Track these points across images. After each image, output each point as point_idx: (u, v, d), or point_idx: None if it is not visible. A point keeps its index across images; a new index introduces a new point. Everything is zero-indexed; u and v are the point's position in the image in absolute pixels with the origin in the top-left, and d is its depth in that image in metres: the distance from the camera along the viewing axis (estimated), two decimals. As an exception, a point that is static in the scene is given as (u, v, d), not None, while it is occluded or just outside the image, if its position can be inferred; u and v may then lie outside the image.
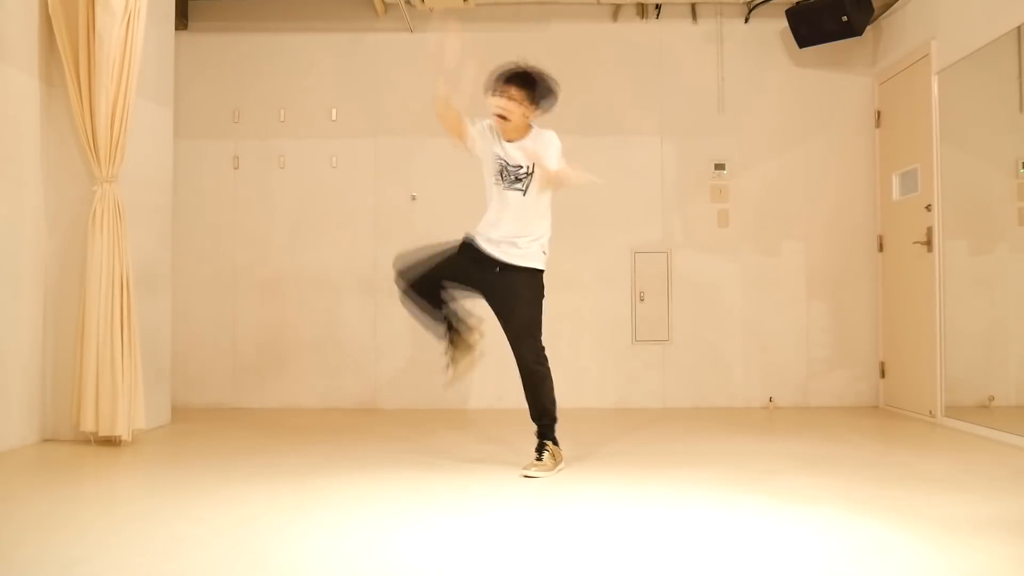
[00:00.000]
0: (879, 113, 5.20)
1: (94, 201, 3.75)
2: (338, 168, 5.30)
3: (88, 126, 3.75)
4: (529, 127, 3.32)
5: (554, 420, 3.23)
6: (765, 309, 5.24)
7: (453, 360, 3.39)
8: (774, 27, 5.29)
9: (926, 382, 4.55)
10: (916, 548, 2.11)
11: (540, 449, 3.16)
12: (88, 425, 3.65)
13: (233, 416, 4.78)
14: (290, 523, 2.36)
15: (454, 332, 3.39)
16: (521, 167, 3.26)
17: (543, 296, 3.35)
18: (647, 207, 5.28)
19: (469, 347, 3.38)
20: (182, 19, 5.19)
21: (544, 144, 3.25)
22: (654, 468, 3.21)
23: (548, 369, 3.24)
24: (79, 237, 3.82)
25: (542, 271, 3.35)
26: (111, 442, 3.72)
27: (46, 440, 3.82)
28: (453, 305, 3.37)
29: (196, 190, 5.27)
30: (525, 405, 3.27)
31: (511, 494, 2.75)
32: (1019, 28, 3.80)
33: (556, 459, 3.15)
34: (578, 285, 5.24)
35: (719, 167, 5.28)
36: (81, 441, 3.75)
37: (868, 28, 5.08)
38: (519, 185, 3.26)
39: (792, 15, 5.01)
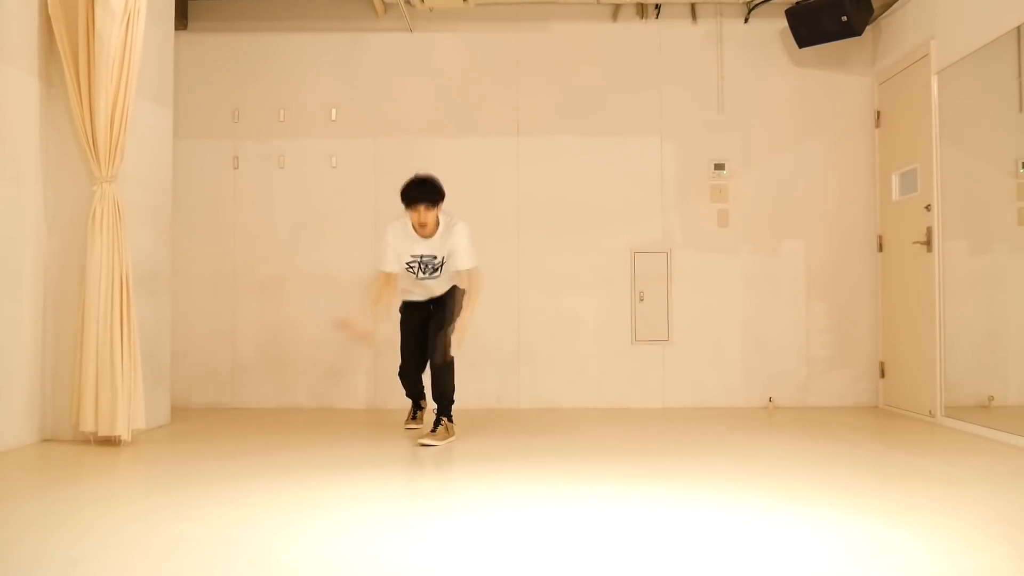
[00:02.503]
0: (879, 113, 5.20)
1: (94, 201, 3.75)
2: (338, 168, 5.30)
3: (88, 126, 3.75)
4: (439, 221, 3.83)
5: (452, 402, 3.91)
6: (765, 309, 5.24)
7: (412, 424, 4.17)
8: (774, 27, 5.29)
9: (926, 382, 4.55)
10: (916, 548, 2.11)
11: (436, 424, 3.85)
12: (88, 425, 3.66)
13: (233, 416, 4.78)
14: (290, 523, 2.36)
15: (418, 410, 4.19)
16: (436, 257, 3.82)
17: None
18: (647, 207, 5.28)
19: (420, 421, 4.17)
20: (182, 19, 5.19)
21: (456, 243, 3.79)
22: (654, 468, 3.21)
23: (453, 360, 3.85)
24: (79, 237, 3.82)
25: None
26: (111, 442, 3.72)
27: (46, 440, 3.82)
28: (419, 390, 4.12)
29: (196, 190, 5.27)
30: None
31: (511, 494, 2.75)
32: (1019, 28, 3.80)
33: (449, 432, 3.85)
34: (578, 285, 5.24)
35: (719, 167, 5.28)
36: (81, 441, 3.76)
37: (868, 28, 5.08)
38: (436, 273, 3.85)
39: (792, 15, 5.01)
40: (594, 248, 5.26)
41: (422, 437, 3.79)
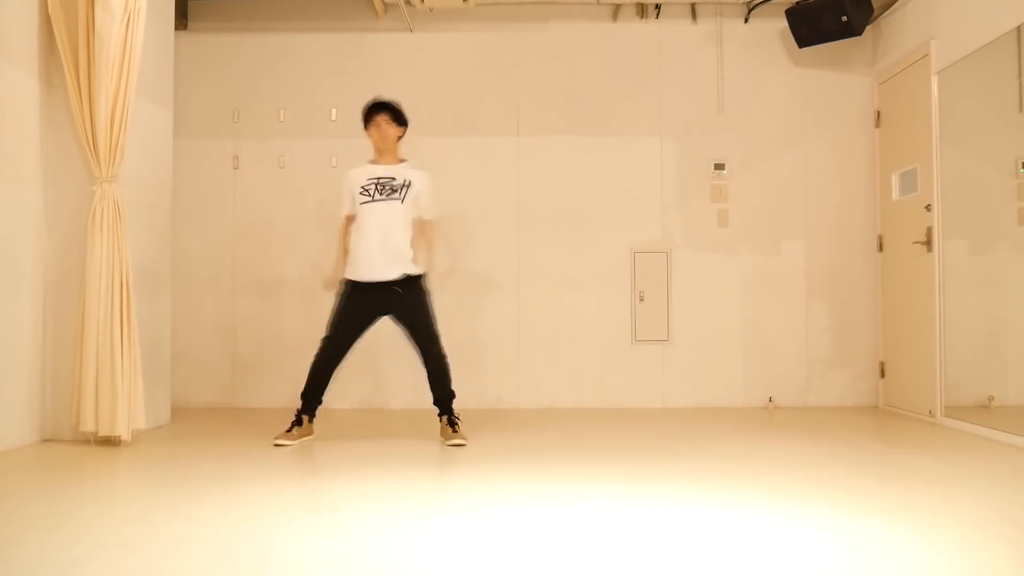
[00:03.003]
0: (879, 113, 5.20)
1: (94, 201, 3.75)
2: (338, 168, 5.29)
3: (88, 126, 3.75)
4: (400, 159, 3.89)
5: (454, 396, 3.88)
6: (765, 309, 5.24)
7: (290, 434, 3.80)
8: (774, 27, 5.29)
9: (926, 382, 4.55)
10: (916, 548, 2.11)
11: (454, 423, 3.80)
12: (88, 425, 3.66)
13: (233, 416, 4.78)
14: (290, 523, 2.36)
15: (305, 419, 3.85)
16: (395, 178, 3.78)
17: (430, 295, 3.87)
18: (647, 207, 5.28)
19: (304, 434, 3.83)
20: (182, 19, 5.19)
21: (420, 186, 3.83)
22: (654, 468, 3.21)
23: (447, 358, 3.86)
24: (79, 237, 3.82)
25: (424, 274, 3.87)
26: (111, 442, 3.72)
27: (46, 440, 3.82)
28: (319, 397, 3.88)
29: (196, 190, 5.27)
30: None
31: (511, 494, 2.75)
32: (1019, 28, 3.80)
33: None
34: (578, 285, 5.24)
35: (719, 167, 5.28)
36: (81, 441, 3.76)
37: (868, 28, 5.08)
38: (396, 195, 3.76)
39: (792, 15, 5.01)
40: (594, 248, 5.26)
41: (450, 440, 3.74)
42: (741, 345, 5.23)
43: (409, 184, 3.81)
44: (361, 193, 3.80)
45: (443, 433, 3.81)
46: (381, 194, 3.76)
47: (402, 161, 3.92)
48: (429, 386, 3.86)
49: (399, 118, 3.88)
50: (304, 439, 3.79)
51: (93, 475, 3.14)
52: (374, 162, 3.90)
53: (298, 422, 3.80)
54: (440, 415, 3.88)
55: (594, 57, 5.33)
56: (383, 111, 3.83)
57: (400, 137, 3.92)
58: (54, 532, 2.25)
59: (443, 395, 3.86)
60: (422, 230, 3.91)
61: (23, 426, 3.70)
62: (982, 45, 4.05)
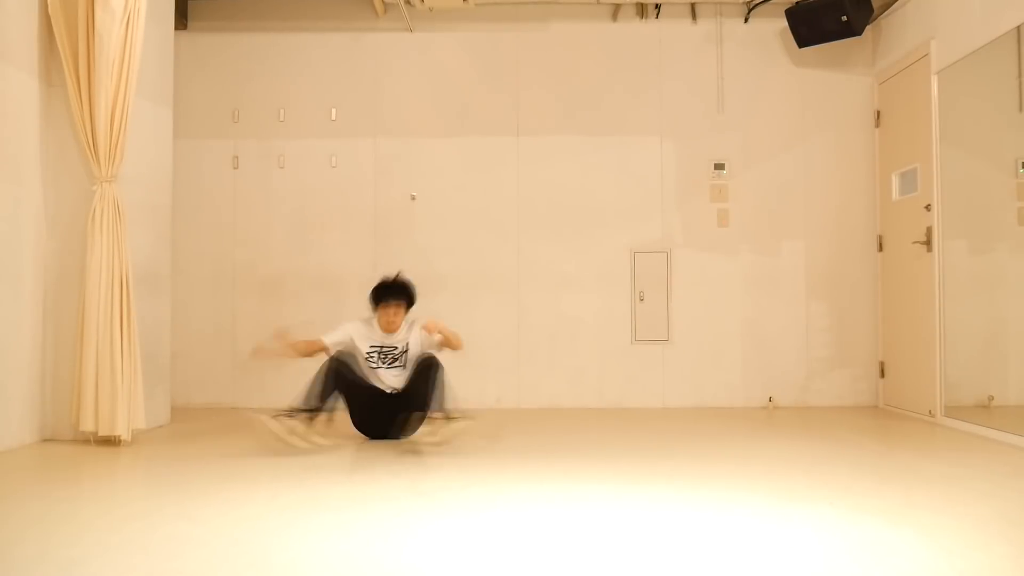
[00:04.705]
0: (879, 113, 5.20)
1: (94, 201, 3.75)
2: (338, 168, 5.30)
3: (88, 126, 3.75)
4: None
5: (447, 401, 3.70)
6: (765, 309, 5.24)
7: (297, 432, 3.53)
8: (774, 27, 5.29)
9: (926, 382, 4.55)
10: (916, 547, 2.11)
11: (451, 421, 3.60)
12: (88, 425, 3.66)
13: (233, 416, 4.77)
14: (290, 523, 2.36)
15: (316, 417, 3.62)
16: (396, 347, 3.82)
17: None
18: (647, 207, 5.28)
19: (312, 435, 3.57)
20: (182, 19, 5.19)
21: (424, 338, 3.79)
22: (654, 468, 3.21)
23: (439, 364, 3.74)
24: (79, 237, 3.82)
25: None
26: (111, 442, 3.72)
27: (46, 440, 3.82)
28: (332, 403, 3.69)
29: (196, 190, 5.27)
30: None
31: (511, 494, 2.75)
32: (1019, 28, 3.80)
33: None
34: (578, 285, 5.24)
35: (719, 167, 5.28)
36: (81, 441, 3.76)
37: (868, 28, 5.08)
38: (397, 363, 3.81)
39: (792, 15, 5.01)
40: (594, 248, 5.26)
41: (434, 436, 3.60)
42: (741, 345, 5.23)
43: (407, 350, 3.81)
44: (367, 359, 3.81)
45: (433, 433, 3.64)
46: (384, 362, 3.80)
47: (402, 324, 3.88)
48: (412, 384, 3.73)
49: (411, 303, 3.84)
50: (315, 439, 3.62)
51: (93, 475, 3.14)
52: (385, 331, 3.81)
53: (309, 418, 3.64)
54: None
55: (594, 57, 5.33)
56: (399, 298, 3.76)
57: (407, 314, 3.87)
58: (54, 532, 2.25)
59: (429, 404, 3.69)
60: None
61: (23, 426, 3.70)
62: (982, 45, 4.05)
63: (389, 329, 3.80)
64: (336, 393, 3.65)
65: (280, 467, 3.22)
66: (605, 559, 2.02)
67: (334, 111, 5.31)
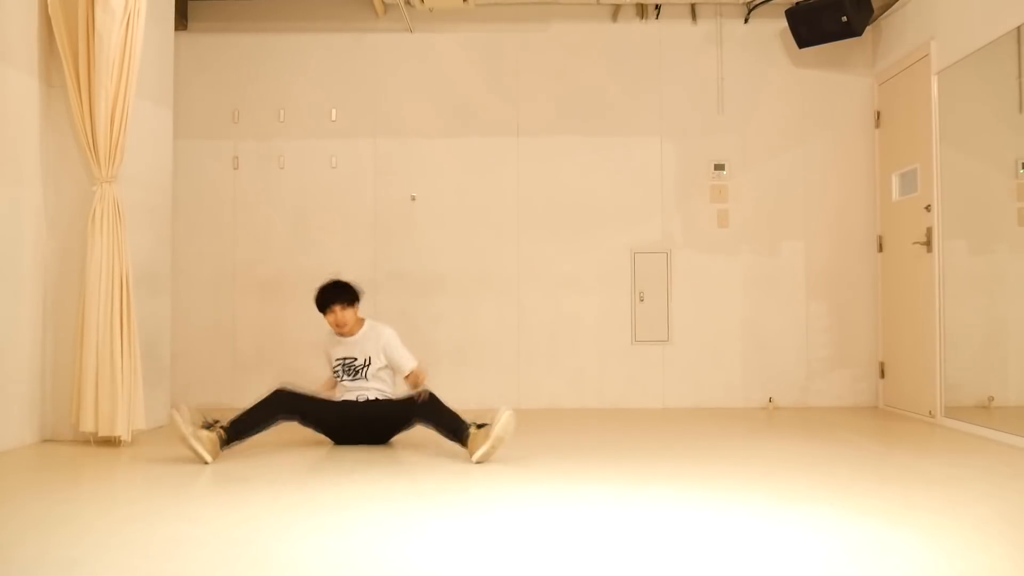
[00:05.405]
0: (879, 113, 5.21)
1: (94, 201, 3.75)
2: (338, 168, 5.30)
3: (88, 126, 3.75)
4: (361, 321, 3.84)
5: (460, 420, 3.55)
6: (765, 309, 5.25)
7: (200, 439, 3.30)
8: (774, 27, 5.29)
9: (926, 382, 4.55)
10: (916, 548, 2.11)
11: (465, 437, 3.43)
12: (88, 425, 3.65)
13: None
14: (290, 523, 2.35)
15: (235, 438, 3.44)
16: (356, 359, 3.78)
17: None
18: (647, 207, 5.28)
19: (211, 449, 3.31)
20: (182, 19, 5.19)
21: (386, 345, 3.77)
22: (654, 468, 3.21)
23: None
24: (79, 237, 3.82)
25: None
26: (111, 442, 3.72)
27: (46, 440, 3.82)
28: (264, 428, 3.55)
29: (196, 190, 5.27)
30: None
31: (511, 494, 2.75)
32: (1019, 28, 3.80)
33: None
34: (578, 285, 5.25)
35: (719, 167, 5.29)
36: (81, 441, 3.76)
37: (868, 28, 5.08)
38: (359, 376, 3.77)
39: (792, 15, 5.01)
40: (594, 248, 5.26)
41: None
42: (741, 345, 5.23)
43: (368, 363, 3.76)
44: (334, 373, 3.85)
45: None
46: (348, 375, 3.79)
47: (362, 323, 3.83)
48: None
49: (352, 299, 3.80)
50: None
51: (93, 476, 3.14)
52: (339, 333, 3.82)
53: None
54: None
55: (594, 57, 5.33)
56: (337, 300, 3.75)
57: (356, 311, 3.83)
58: (54, 532, 2.25)
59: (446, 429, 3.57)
60: (406, 379, 3.78)
61: (23, 426, 3.70)
62: (982, 45, 4.05)
63: (342, 331, 3.79)
64: (262, 427, 3.51)
65: (281, 468, 3.22)
66: (606, 560, 2.02)
67: (334, 111, 5.31)
